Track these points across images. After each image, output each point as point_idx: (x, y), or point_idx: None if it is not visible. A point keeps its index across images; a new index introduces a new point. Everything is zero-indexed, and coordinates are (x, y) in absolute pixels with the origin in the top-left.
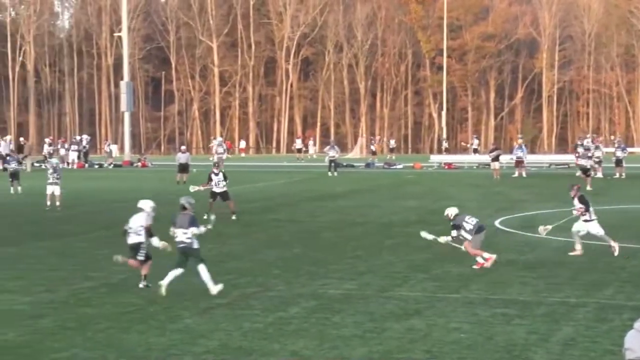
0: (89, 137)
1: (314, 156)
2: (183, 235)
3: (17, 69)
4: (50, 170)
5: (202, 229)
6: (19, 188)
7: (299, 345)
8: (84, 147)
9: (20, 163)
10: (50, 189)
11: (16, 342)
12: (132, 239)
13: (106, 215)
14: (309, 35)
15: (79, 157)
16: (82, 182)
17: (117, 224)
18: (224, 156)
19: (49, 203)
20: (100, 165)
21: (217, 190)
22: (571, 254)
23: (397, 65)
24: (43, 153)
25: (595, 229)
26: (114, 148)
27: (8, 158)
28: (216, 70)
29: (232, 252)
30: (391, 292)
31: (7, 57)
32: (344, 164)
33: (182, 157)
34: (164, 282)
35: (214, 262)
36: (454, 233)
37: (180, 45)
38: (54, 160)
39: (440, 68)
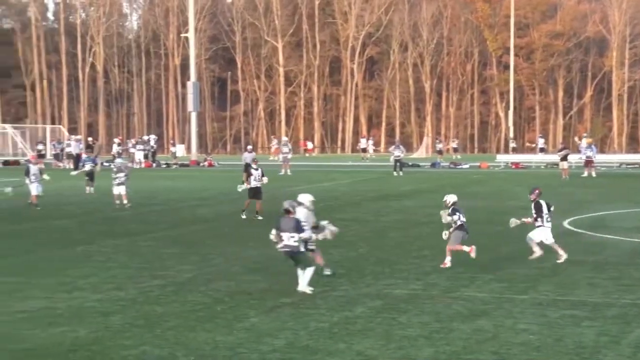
0: (156, 137)
1: (373, 156)
2: (290, 239)
3: (87, 69)
4: (115, 170)
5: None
6: (92, 188)
7: (365, 345)
8: (152, 147)
9: (96, 164)
10: (116, 190)
11: (87, 339)
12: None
13: (173, 215)
14: (374, 34)
15: (146, 157)
16: (149, 182)
17: (184, 223)
18: (289, 156)
19: (117, 202)
20: (168, 165)
21: (253, 185)
22: (531, 257)
23: (463, 64)
24: (112, 153)
25: (544, 235)
26: (180, 148)
27: (84, 158)
28: (281, 70)
29: None
30: (457, 293)
31: (78, 58)
32: (409, 163)
33: (248, 157)
34: (305, 287)
35: (280, 261)
36: (455, 217)
37: (245, 46)
38: (119, 161)
39: (507, 67)
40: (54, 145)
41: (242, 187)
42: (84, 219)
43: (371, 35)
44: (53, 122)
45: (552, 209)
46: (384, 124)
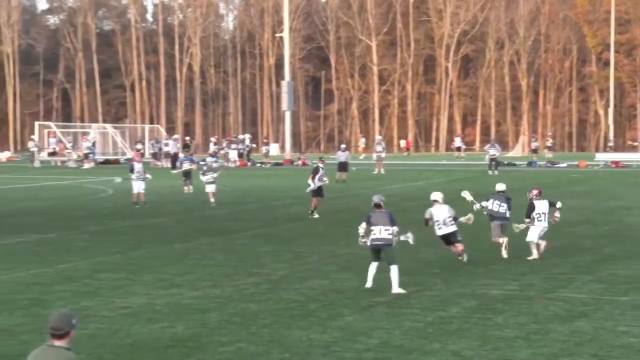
0: (250, 136)
1: (462, 155)
2: (385, 232)
3: (184, 70)
4: (205, 169)
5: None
6: (190, 187)
7: (460, 345)
8: (247, 146)
9: (194, 163)
10: (208, 188)
11: (185, 335)
12: (443, 231)
13: (267, 213)
14: (469, 32)
15: (240, 156)
16: (244, 180)
17: (279, 222)
18: (383, 154)
19: (212, 200)
20: (262, 164)
21: (319, 183)
22: (528, 258)
23: (561, 61)
24: (209, 152)
25: (531, 234)
26: (274, 147)
27: (181, 157)
28: (375, 68)
29: None
30: (555, 294)
31: (175, 59)
32: (505, 162)
33: (341, 156)
34: (397, 288)
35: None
36: (484, 203)
37: (339, 45)
38: (210, 159)
39: (607, 63)
40: (152, 144)
41: (310, 188)
42: (182, 217)
43: (466, 33)
44: (151, 122)
45: (558, 205)
46: (478, 122)
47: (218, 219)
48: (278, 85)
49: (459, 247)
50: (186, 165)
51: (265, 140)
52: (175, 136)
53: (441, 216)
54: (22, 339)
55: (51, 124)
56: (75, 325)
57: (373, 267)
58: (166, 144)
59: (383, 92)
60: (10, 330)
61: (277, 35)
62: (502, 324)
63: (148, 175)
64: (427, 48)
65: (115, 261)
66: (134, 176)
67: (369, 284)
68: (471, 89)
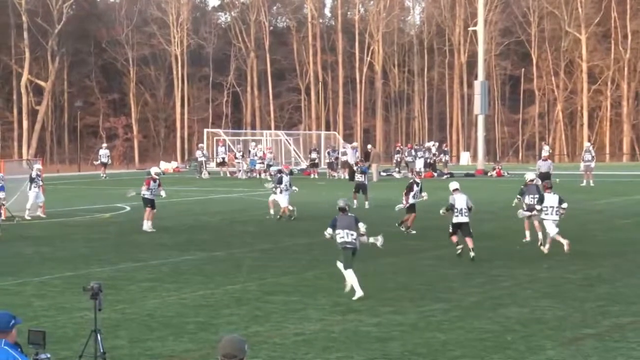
0: (437, 144)
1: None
2: (350, 236)
3: (364, 70)
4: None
5: (363, 228)
6: (366, 202)
7: None
8: (434, 154)
9: (364, 173)
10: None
11: None
12: (459, 219)
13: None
14: None
15: (426, 166)
16: (430, 193)
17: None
18: (592, 164)
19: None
20: (451, 175)
21: (411, 201)
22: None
23: None
24: (394, 161)
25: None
26: (465, 156)
27: (356, 168)
28: (584, 65)
29: (602, 275)
30: None
31: (355, 57)
32: None
33: (542, 166)
34: (356, 291)
35: (581, 286)
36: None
37: (542, 39)
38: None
39: None
40: (328, 153)
41: (400, 207)
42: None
43: None
44: (327, 128)
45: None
46: None
47: (400, 236)
48: (470, 85)
49: (469, 241)
50: (358, 178)
51: (445, 149)
52: (354, 144)
53: (461, 204)
54: None
55: (220, 131)
56: (247, 353)
57: (350, 273)
58: (344, 153)
59: (593, 92)
60: (177, 356)
61: (470, 29)
62: None
63: (295, 188)
64: None
65: (288, 282)
66: (280, 189)
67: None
68: None
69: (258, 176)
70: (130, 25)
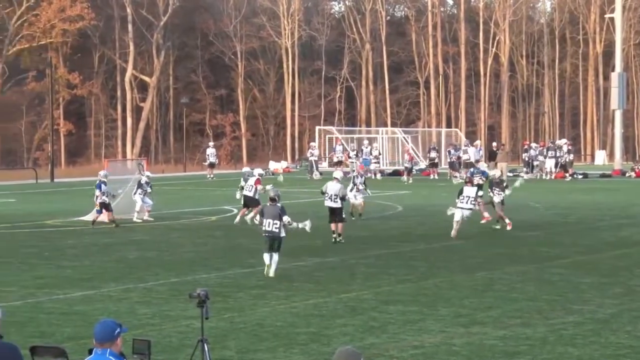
0: (569, 142)
1: None
2: (273, 225)
3: (489, 62)
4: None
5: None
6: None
7: None
8: (566, 152)
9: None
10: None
11: None
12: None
13: (591, 236)
14: None
15: (557, 166)
16: (561, 196)
17: (606, 247)
18: None
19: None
20: (585, 175)
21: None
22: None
23: None
24: (524, 159)
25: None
26: (600, 155)
27: (472, 170)
28: None
29: None
30: None
31: (479, 48)
32: None
33: None
34: (272, 270)
35: None
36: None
37: None
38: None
39: None
40: (449, 152)
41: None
42: (483, 239)
43: None
44: (448, 125)
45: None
46: None
47: (529, 242)
48: (606, 78)
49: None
50: (476, 179)
51: (569, 147)
52: (477, 142)
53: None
54: None
55: (333, 128)
56: None
57: (266, 257)
58: (465, 152)
59: None
60: None
61: (607, 16)
62: None
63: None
64: None
65: (406, 291)
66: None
67: (269, 271)
68: None
69: (374, 177)
70: (238, 16)
